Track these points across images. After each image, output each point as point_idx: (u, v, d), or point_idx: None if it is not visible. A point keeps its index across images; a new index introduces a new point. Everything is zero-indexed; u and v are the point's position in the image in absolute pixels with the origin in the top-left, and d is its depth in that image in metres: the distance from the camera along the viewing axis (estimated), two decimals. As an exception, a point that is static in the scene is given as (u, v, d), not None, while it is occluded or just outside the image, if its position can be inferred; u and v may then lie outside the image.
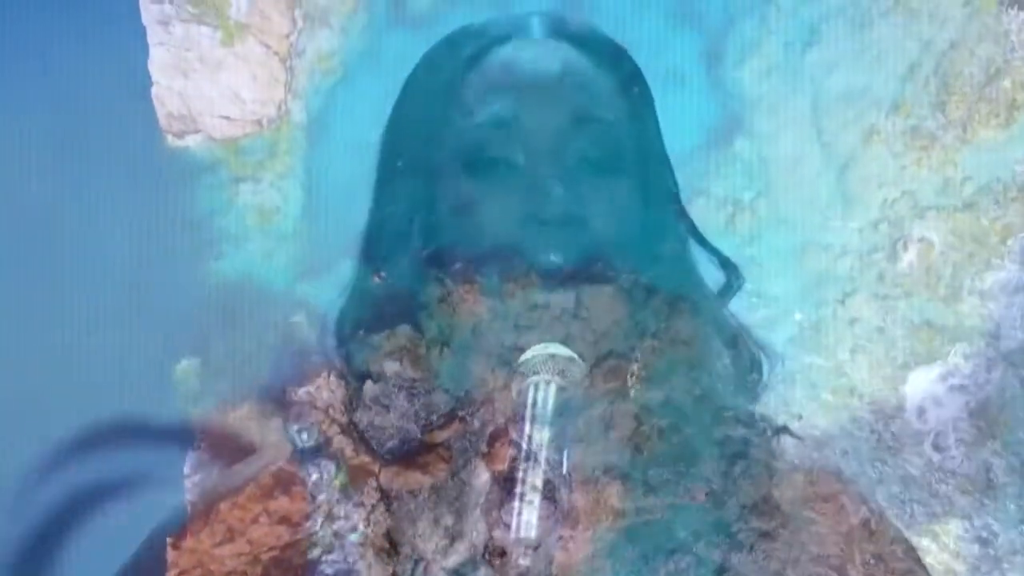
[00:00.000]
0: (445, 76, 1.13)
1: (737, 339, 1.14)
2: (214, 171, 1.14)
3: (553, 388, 1.06)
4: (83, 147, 1.18)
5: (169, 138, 1.12)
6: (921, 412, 1.04)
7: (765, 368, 1.13)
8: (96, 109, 1.15)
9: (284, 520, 1.00)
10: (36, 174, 1.18)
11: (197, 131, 1.10)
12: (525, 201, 1.06)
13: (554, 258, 1.06)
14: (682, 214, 1.16)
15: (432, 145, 1.13)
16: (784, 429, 1.09)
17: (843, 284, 1.09)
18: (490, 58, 1.13)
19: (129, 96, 1.12)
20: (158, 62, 1.07)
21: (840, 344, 1.09)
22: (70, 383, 1.17)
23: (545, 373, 1.06)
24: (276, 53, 1.09)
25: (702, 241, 1.16)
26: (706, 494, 1.08)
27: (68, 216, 1.19)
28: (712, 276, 1.13)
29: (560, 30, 1.16)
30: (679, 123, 1.13)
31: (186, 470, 1.08)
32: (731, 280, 1.16)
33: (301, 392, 1.06)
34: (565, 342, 1.09)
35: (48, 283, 1.18)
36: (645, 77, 1.15)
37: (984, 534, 1.05)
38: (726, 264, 1.17)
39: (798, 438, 1.08)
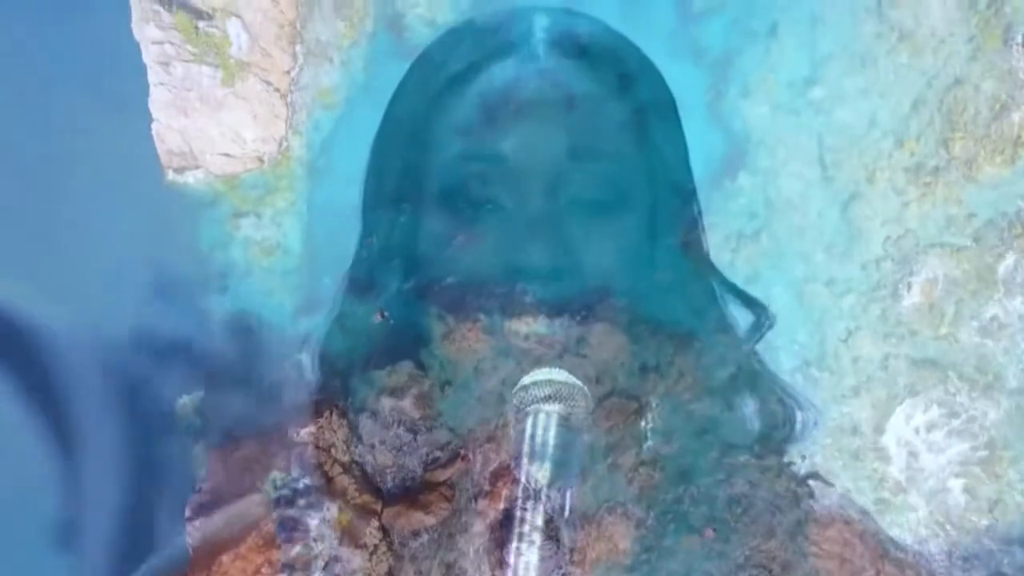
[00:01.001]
0: (432, 93, 1.11)
1: (763, 386, 1.11)
2: (215, 205, 1.15)
3: (555, 420, 1.06)
4: (84, 179, 1.19)
5: (169, 173, 1.13)
6: (916, 454, 1.06)
7: (798, 418, 1.10)
8: (98, 143, 1.16)
9: (287, 567, 1.01)
10: (36, 210, 1.19)
11: (197, 167, 1.11)
12: (509, 250, 1.04)
13: (527, 326, 1.03)
14: (696, 247, 1.13)
15: (414, 171, 1.10)
16: (815, 475, 1.08)
17: (846, 321, 1.10)
18: (482, 76, 1.10)
19: (130, 132, 1.13)
20: (158, 101, 1.08)
21: (842, 381, 1.10)
22: (71, 417, 1.18)
23: (547, 403, 1.06)
24: (277, 90, 1.09)
25: (717, 276, 1.13)
26: (713, 530, 1.09)
27: (68, 246, 1.20)
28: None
29: (568, 43, 1.13)
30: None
31: (187, 513, 1.08)
32: (759, 320, 1.12)
33: (303, 433, 1.07)
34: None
35: (49, 315, 1.19)
36: (674, 102, 1.12)
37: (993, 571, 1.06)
38: (751, 303, 1.13)
39: (829, 484, 1.08)
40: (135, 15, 1.07)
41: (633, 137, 1.14)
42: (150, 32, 1.06)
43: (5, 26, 1.09)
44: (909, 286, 1.09)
